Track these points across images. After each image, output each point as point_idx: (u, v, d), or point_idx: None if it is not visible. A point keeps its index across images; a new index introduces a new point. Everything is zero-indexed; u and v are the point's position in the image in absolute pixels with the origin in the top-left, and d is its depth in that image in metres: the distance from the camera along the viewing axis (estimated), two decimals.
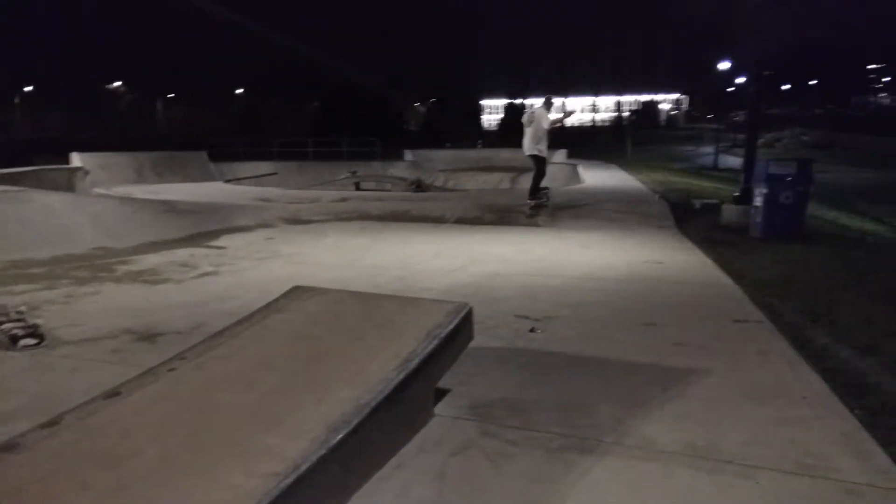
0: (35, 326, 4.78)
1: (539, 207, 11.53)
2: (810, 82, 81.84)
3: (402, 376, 2.99)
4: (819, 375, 3.82)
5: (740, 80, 46.98)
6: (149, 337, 4.72)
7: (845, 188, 21.11)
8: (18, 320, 4.90)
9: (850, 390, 3.64)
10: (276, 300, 4.11)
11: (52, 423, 2.69)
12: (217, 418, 2.69)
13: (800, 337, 4.64)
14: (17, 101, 65.72)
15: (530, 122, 11.58)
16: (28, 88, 66.88)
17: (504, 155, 25.36)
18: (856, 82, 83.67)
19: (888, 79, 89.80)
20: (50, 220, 8.49)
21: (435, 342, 3.33)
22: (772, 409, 3.36)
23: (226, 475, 2.25)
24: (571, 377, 3.86)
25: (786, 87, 79.87)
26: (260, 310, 3.98)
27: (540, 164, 11.72)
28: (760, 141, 37.67)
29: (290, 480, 2.22)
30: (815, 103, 75.96)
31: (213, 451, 2.42)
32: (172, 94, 68.75)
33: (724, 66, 49.93)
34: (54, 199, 9.12)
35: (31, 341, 4.57)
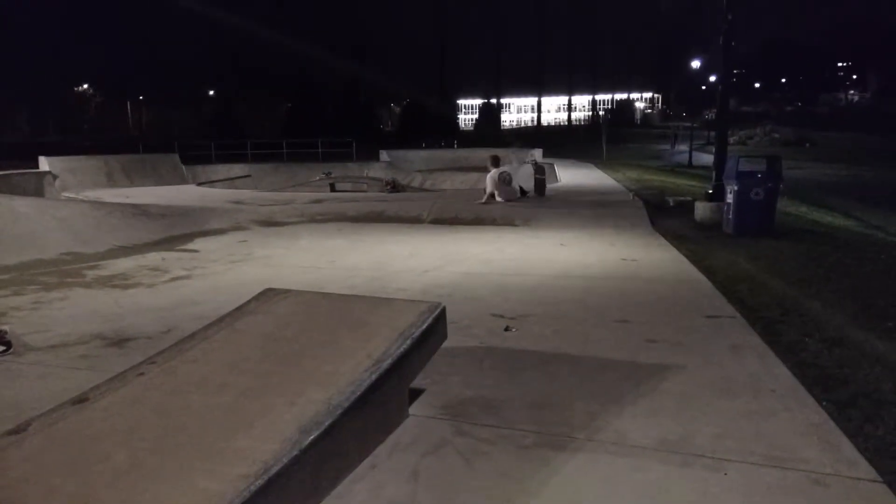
0: (2, 333, 4.69)
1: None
2: (781, 80, 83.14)
3: (374, 377, 2.99)
4: (789, 369, 3.89)
5: (713, 78, 47.55)
6: (119, 342, 4.67)
7: (816, 184, 21.52)
8: None
9: (819, 383, 3.71)
10: (247, 303, 4.08)
11: (19, 429, 2.66)
12: (187, 422, 2.67)
13: (771, 331, 4.71)
14: None
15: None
16: None
17: (480, 154, 25.40)
18: (826, 80, 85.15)
19: (856, 76, 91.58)
20: (16, 226, 8.34)
21: (408, 342, 3.33)
22: (742, 403, 3.42)
23: (195, 479, 2.24)
24: (545, 375, 3.89)
25: (757, 85, 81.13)
26: (231, 312, 3.95)
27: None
28: (733, 138, 38.27)
29: (260, 482, 2.21)
30: (785, 101, 77.20)
31: (182, 456, 2.40)
32: (142, 97, 67.85)
33: (696, 64, 50.57)
34: (20, 204, 8.96)
35: None
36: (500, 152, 14.88)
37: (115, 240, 8.92)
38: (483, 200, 12.33)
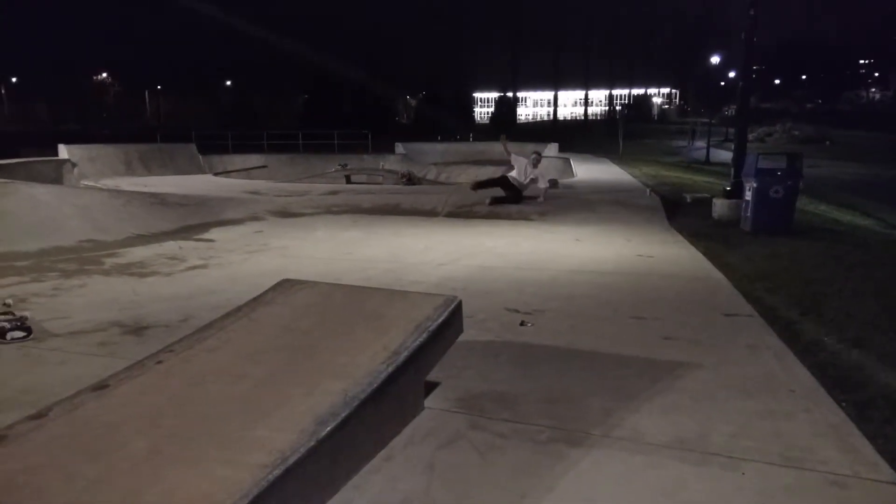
0: (23, 319, 4.74)
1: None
2: (802, 77, 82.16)
3: (390, 369, 3.00)
4: (807, 369, 3.86)
5: (732, 74, 47.09)
6: (137, 330, 4.71)
7: (835, 183, 21.27)
8: (6, 313, 4.87)
9: (838, 384, 3.67)
10: (264, 293, 4.10)
11: (40, 415, 2.69)
12: (205, 411, 2.69)
13: (789, 330, 4.67)
14: (2, 92, 65.14)
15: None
16: (13, 80, 66.29)
17: (497, 148, 25.31)
18: (847, 78, 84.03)
19: (878, 74, 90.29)
20: (36, 213, 8.43)
21: (424, 335, 3.33)
22: (760, 403, 3.39)
23: (213, 467, 2.26)
24: (561, 370, 3.88)
25: (777, 81, 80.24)
26: (248, 303, 3.97)
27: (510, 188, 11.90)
28: (752, 135, 37.89)
29: (277, 472, 2.23)
30: (806, 98, 76.32)
31: (200, 444, 2.42)
32: (160, 86, 68.24)
33: (715, 60, 50.05)
34: (40, 192, 9.05)
35: (19, 334, 4.55)
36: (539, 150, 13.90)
37: (133, 228, 8.99)
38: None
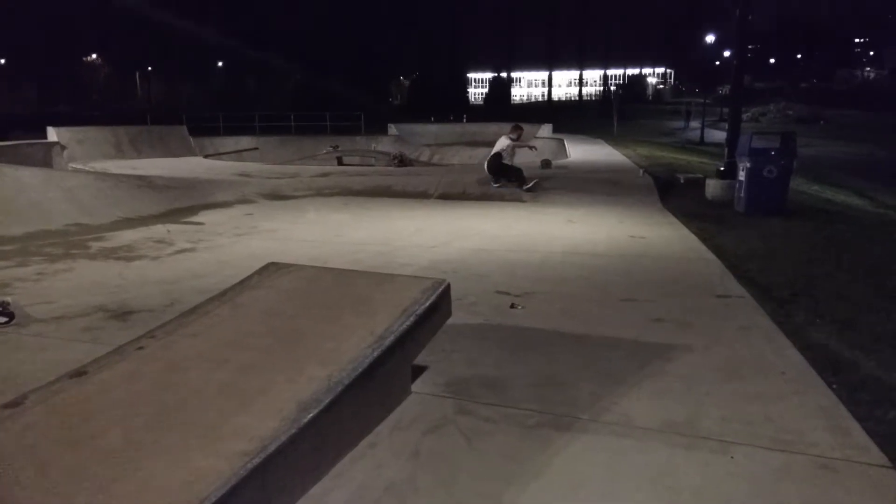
0: (5, 304, 4.67)
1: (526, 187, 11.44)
2: (796, 56, 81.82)
3: (376, 354, 2.95)
4: (798, 351, 3.82)
5: (727, 53, 46.80)
6: (121, 315, 4.64)
7: (829, 162, 21.25)
8: None
9: (829, 365, 3.64)
10: (249, 277, 4.04)
11: (16, 403, 2.63)
12: (185, 398, 2.64)
13: (780, 312, 4.64)
14: None
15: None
16: (2, 61, 65.46)
17: (491, 129, 25.19)
18: (842, 57, 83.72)
19: (873, 53, 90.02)
20: (22, 196, 8.32)
21: (411, 319, 3.28)
22: (750, 385, 3.36)
23: (191, 456, 2.20)
24: (550, 354, 3.84)
25: (772, 60, 79.91)
26: (233, 287, 3.91)
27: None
28: (746, 115, 37.74)
29: (258, 460, 2.18)
30: (800, 77, 76.04)
31: (179, 432, 2.37)
32: (151, 68, 67.48)
33: (710, 39, 49.74)
34: (26, 175, 8.93)
35: (1, 319, 4.48)
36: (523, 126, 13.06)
37: (120, 211, 8.89)
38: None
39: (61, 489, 2.07)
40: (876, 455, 2.66)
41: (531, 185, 11.37)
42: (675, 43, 78.60)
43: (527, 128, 12.84)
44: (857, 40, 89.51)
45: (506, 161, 11.50)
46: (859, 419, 2.96)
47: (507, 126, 12.84)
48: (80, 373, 2.88)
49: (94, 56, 71.51)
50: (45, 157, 16.60)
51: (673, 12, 79.37)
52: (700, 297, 4.97)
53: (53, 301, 4.98)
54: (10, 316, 4.53)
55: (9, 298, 4.78)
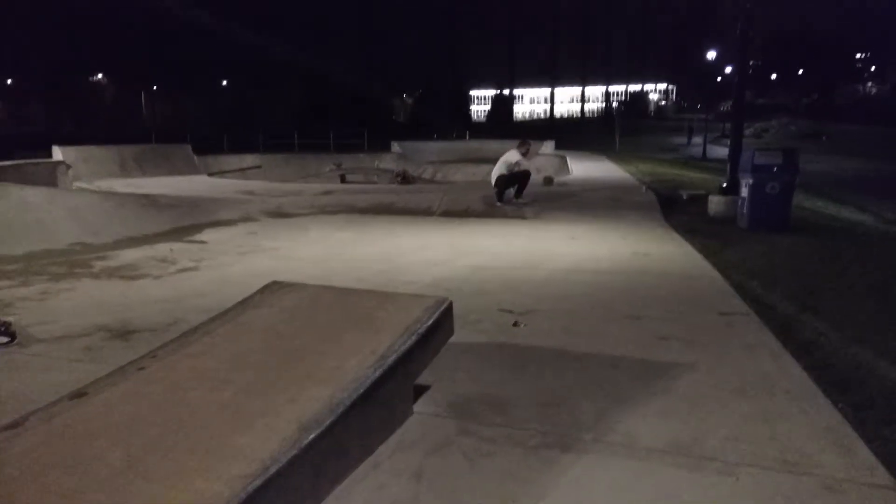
0: (7, 324, 4.67)
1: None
2: (798, 71, 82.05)
3: (378, 374, 2.93)
4: (803, 370, 3.79)
5: (728, 69, 46.99)
6: (123, 334, 4.64)
7: (832, 178, 21.25)
8: None
9: (835, 385, 3.61)
10: (251, 296, 4.04)
11: (16, 424, 2.62)
12: (185, 419, 2.62)
13: (785, 330, 4.61)
14: None
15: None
16: (8, 81, 66.09)
17: (493, 146, 25.27)
18: (844, 71, 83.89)
19: (874, 68, 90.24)
20: (26, 215, 8.35)
21: (413, 338, 3.27)
22: (756, 404, 3.33)
23: (191, 479, 2.19)
24: (553, 372, 3.81)
25: (774, 76, 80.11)
26: (235, 306, 3.90)
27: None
28: (748, 131, 37.86)
29: (258, 482, 2.16)
30: (803, 93, 76.25)
31: (179, 454, 2.35)
32: (155, 87, 68.06)
33: (712, 55, 49.95)
34: (30, 194, 8.96)
35: (3, 339, 4.47)
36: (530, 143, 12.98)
37: (124, 230, 8.92)
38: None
39: None
40: (882, 476, 2.63)
41: (527, 200, 11.43)
42: (676, 59, 78.90)
43: (531, 144, 12.90)
44: (858, 55, 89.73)
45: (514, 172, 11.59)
46: (866, 439, 2.93)
47: (510, 143, 12.90)
48: (80, 394, 2.87)
49: (99, 76, 72.18)
50: (50, 177, 16.68)
51: (675, 29, 79.82)
52: (704, 315, 4.94)
53: (56, 321, 4.97)
54: (12, 336, 4.52)
55: (11, 319, 4.78)
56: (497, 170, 11.65)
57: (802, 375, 3.70)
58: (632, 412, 3.25)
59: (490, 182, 11.80)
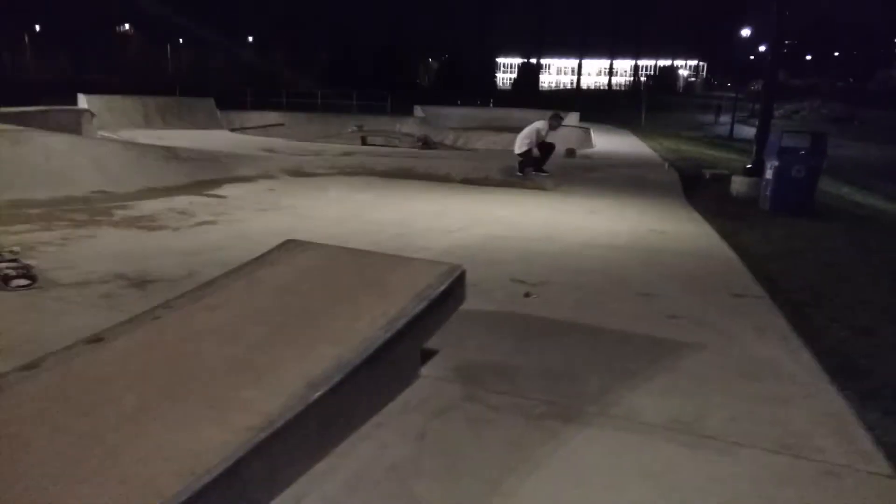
0: (28, 267, 4.77)
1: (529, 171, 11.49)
2: (834, 53, 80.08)
3: (387, 336, 2.97)
4: (813, 355, 3.79)
5: (762, 48, 45.91)
6: (140, 283, 4.72)
7: (861, 164, 20.84)
8: (12, 261, 4.89)
9: (843, 372, 3.60)
10: (267, 253, 4.08)
11: (33, 365, 2.69)
12: (197, 369, 2.68)
13: (798, 315, 4.59)
14: (25, 40, 65.12)
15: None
16: (37, 28, 66.26)
17: (516, 115, 25.07)
18: (881, 56, 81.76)
19: None
20: (50, 162, 8.44)
21: (424, 303, 3.30)
22: (761, 387, 3.34)
23: (200, 426, 2.25)
24: (561, 344, 3.84)
25: (809, 57, 78.26)
26: (251, 262, 3.96)
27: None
28: (779, 112, 37.14)
29: (264, 435, 2.22)
30: (837, 76, 74.48)
31: (189, 403, 2.42)
32: (182, 40, 67.92)
33: (745, 32, 48.77)
34: (54, 141, 9.04)
35: (24, 282, 4.57)
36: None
37: (145, 181, 9.00)
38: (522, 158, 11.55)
39: (71, 453, 2.13)
40: (881, 464, 2.64)
41: (548, 172, 11.35)
42: (708, 35, 77.22)
43: (563, 118, 12.63)
44: None
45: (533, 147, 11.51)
46: (868, 427, 2.94)
47: (534, 113, 12.74)
48: (96, 339, 2.94)
49: (126, 26, 72.10)
50: (74, 124, 16.81)
51: (708, 4, 77.92)
52: (717, 296, 4.93)
53: (75, 266, 5.07)
54: (33, 279, 4.62)
55: (33, 262, 4.88)
56: (522, 140, 11.55)
57: (811, 361, 3.70)
58: (637, 387, 3.27)
59: (513, 150, 11.72)
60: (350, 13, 57.63)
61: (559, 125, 11.93)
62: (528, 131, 11.59)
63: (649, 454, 2.68)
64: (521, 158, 11.50)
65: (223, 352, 2.85)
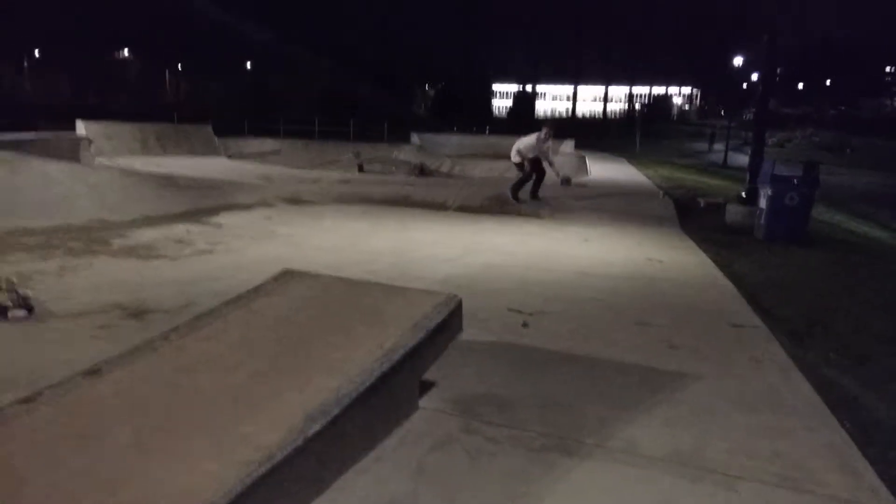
0: (26, 297, 4.75)
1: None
2: (826, 82, 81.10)
3: (385, 367, 2.97)
4: (812, 386, 3.79)
5: (755, 76, 46.45)
6: (138, 314, 4.71)
7: (853, 192, 20.99)
8: (10, 290, 4.87)
9: (843, 403, 3.61)
10: (264, 283, 4.08)
11: (31, 398, 2.68)
12: (195, 402, 2.67)
13: (796, 344, 4.60)
14: (24, 64, 65.54)
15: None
16: (36, 53, 66.71)
17: (511, 142, 25.20)
18: (871, 84, 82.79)
19: None
20: (48, 190, 8.46)
21: (421, 334, 3.30)
22: (761, 419, 3.34)
23: (198, 461, 2.23)
24: (559, 375, 3.83)
25: (800, 86, 79.20)
26: (248, 292, 3.95)
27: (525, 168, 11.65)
28: (772, 140, 37.47)
29: (263, 469, 2.20)
30: (829, 104, 75.33)
31: (187, 436, 2.40)
32: (180, 66, 68.46)
33: (738, 61, 49.41)
34: (53, 168, 9.07)
35: (21, 313, 4.56)
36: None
37: (142, 209, 9.00)
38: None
39: (68, 488, 2.11)
40: (886, 498, 2.63)
41: (541, 202, 11.38)
42: (702, 63, 78.15)
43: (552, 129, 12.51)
44: (888, 69, 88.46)
45: (525, 160, 11.46)
46: (871, 460, 2.93)
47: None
48: (93, 371, 2.93)
49: (125, 52, 72.67)
50: (72, 151, 16.86)
51: (701, 32, 79.00)
52: (715, 325, 4.94)
53: (73, 297, 5.06)
54: (30, 309, 4.61)
55: (30, 292, 4.87)
56: (514, 152, 11.62)
57: (810, 392, 3.70)
58: (635, 419, 3.26)
59: (508, 176, 11.77)
60: (345, 41, 58.24)
61: (550, 135, 11.81)
62: (522, 141, 11.62)
63: (649, 488, 2.67)
64: (515, 174, 11.51)
65: (221, 384, 2.84)
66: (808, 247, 8.61)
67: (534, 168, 11.60)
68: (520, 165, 11.61)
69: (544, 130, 11.75)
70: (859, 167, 32.30)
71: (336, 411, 2.61)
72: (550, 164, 12.03)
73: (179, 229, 8.16)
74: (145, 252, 6.85)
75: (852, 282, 6.82)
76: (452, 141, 29.98)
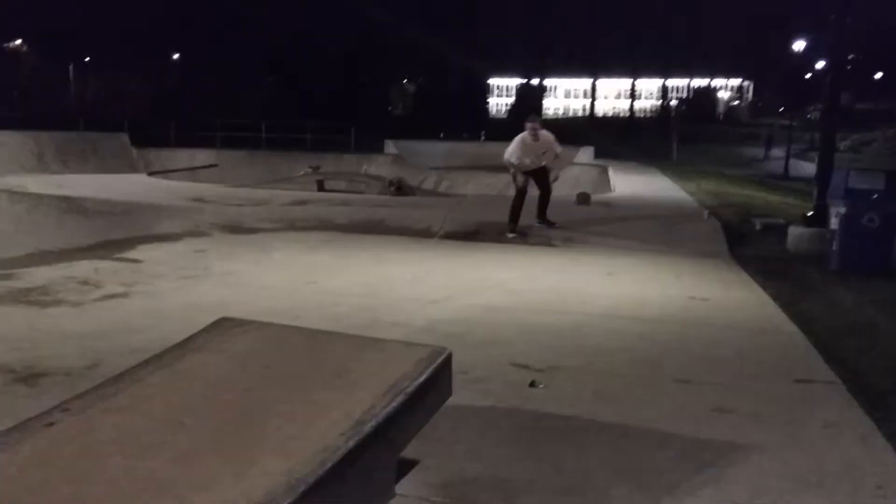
0: None
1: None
2: None
3: (351, 444, 2.95)
4: None
5: (820, 64, 47.33)
6: (28, 377, 4.68)
7: None
8: None
9: None
10: (195, 336, 4.07)
11: None
12: (102, 493, 2.64)
13: (880, 405, 4.62)
14: None
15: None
16: None
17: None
18: None
19: None
20: None
21: (399, 399, 3.29)
22: (837, 501, 3.34)
23: None
24: (578, 450, 3.83)
25: (879, 75, 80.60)
26: (173, 348, 3.94)
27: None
28: (843, 144, 38.01)
29: None
30: None
31: None
32: (88, 59, 68.87)
33: (799, 46, 50.24)
34: None
35: None
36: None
37: (37, 242, 9.00)
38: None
39: None
40: None
41: (552, 226, 11.38)
42: (755, 50, 79.47)
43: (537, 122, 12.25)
44: None
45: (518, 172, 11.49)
46: None
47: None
48: None
49: (18, 42, 73.03)
50: None
51: (753, 12, 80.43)
52: (776, 382, 4.96)
53: None
54: None
55: None
56: (505, 161, 11.68)
57: None
58: None
59: (508, 194, 11.76)
60: (300, 26, 58.86)
61: (536, 131, 11.63)
62: (507, 149, 11.62)
63: None
64: (510, 217, 11.35)
65: (137, 468, 2.81)
66: (893, 280, 8.69)
67: (537, 182, 11.63)
68: (514, 178, 11.58)
69: (529, 127, 11.61)
70: None
71: (287, 502, 2.59)
72: (556, 156, 11.94)
73: (85, 267, 8.15)
74: (40, 297, 6.83)
75: None
76: (438, 149, 30.27)
